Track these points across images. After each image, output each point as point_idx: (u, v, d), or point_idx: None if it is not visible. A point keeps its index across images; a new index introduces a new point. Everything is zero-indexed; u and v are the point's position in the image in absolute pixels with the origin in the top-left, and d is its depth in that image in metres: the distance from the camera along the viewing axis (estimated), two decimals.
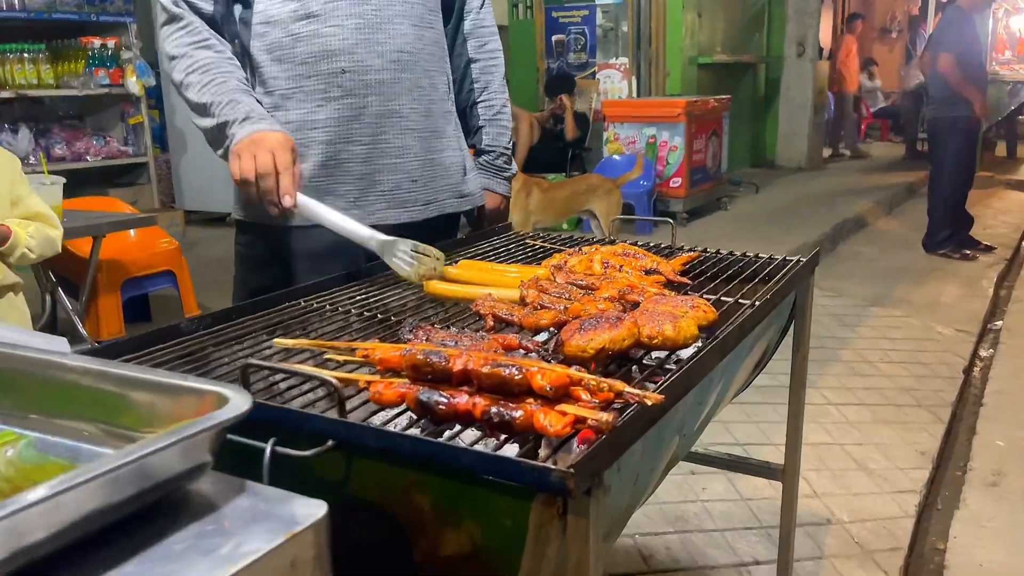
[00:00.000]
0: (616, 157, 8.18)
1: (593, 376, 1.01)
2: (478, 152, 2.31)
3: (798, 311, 1.92)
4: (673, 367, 1.27)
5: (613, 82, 9.54)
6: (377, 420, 1.12)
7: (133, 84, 7.58)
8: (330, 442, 1.04)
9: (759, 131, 12.07)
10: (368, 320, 1.54)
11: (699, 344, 1.35)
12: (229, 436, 1.05)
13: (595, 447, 0.94)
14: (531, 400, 1.02)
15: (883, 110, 15.72)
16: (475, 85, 2.26)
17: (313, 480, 1.10)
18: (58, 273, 4.49)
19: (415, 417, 1.08)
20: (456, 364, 1.05)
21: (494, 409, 1.00)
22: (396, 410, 1.11)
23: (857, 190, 10.04)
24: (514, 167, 2.37)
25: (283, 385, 1.20)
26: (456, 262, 1.81)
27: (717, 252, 1.98)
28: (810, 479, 3.54)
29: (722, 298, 1.60)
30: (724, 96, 9.07)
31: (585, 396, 1.03)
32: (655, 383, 1.19)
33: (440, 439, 1.00)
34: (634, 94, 9.47)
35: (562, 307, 1.45)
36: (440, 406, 1.03)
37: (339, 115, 1.91)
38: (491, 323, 1.42)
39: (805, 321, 1.93)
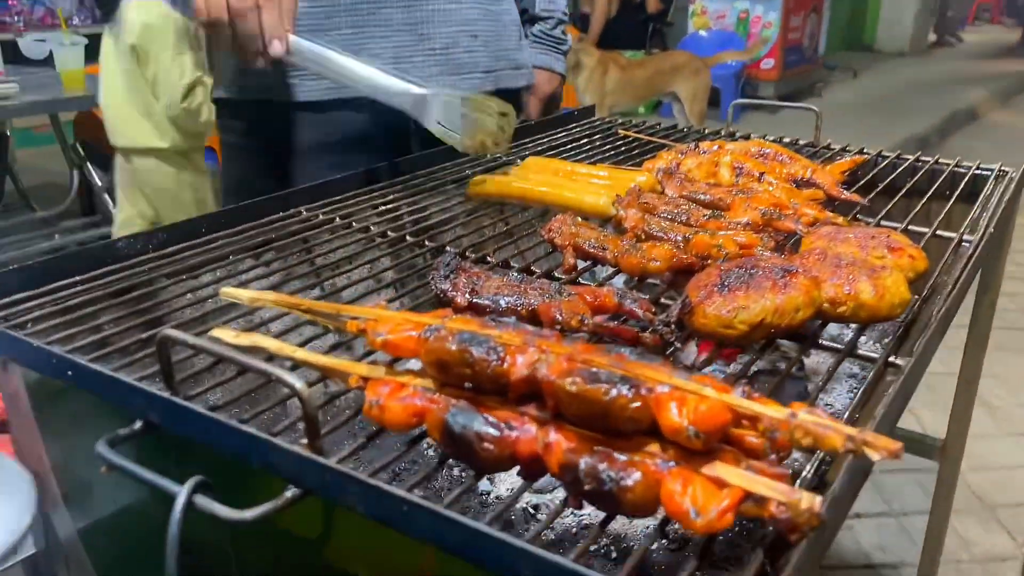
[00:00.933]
0: (703, 33, 7.38)
1: (779, 410, 0.53)
2: (529, 19, 1.76)
3: (992, 241, 1.38)
4: (874, 354, 0.77)
5: None
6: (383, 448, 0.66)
7: None
8: (288, 492, 0.59)
9: (858, 10, 10.93)
10: (395, 243, 1.07)
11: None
12: (119, 466, 0.62)
13: (794, 568, 0.47)
14: (654, 445, 0.54)
15: None
16: None
17: (266, 534, 0.66)
18: (88, 144, 4.10)
19: (443, 452, 0.61)
20: (517, 367, 0.58)
21: (585, 462, 0.53)
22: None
23: (967, 79, 9.07)
24: (570, 39, 1.83)
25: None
26: (522, 159, 1.31)
27: (880, 154, 1.44)
28: (921, 416, 3.05)
29: (911, 228, 1.09)
30: None
31: (752, 438, 0.55)
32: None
33: (481, 520, 0.53)
34: None
35: (679, 238, 0.96)
36: (485, 443, 0.57)
37: None
38: (571, 262, 0.94)
39: (1001, 255, 1.39)
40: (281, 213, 1.13)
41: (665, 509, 0.52)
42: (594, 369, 0.56)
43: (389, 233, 1.08)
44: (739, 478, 0.52)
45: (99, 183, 4.09)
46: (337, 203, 1.18)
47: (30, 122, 5.08)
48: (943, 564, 1.96)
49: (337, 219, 1.12)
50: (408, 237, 1.07)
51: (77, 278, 0.91)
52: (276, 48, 1.13)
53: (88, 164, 4.09)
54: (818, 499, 0.49)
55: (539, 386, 0.57)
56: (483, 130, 1.18)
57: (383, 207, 1.17)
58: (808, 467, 0.62)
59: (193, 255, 1.01)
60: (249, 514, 0.57)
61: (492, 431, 0.57)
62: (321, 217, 1.12)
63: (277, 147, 1.45)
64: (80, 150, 4.04)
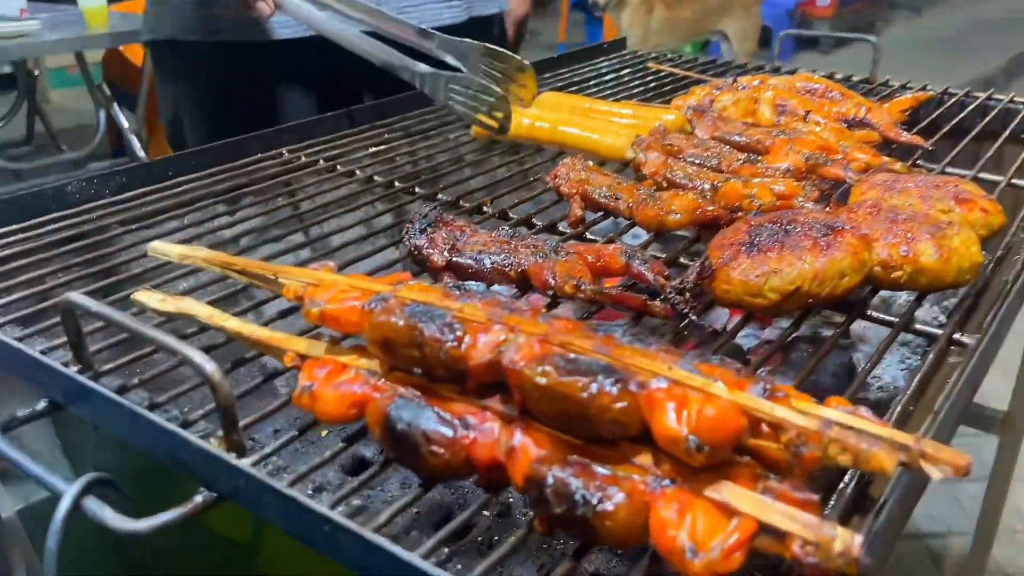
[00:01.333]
0: None
1: (809, 412, 0.40)
2: None
3: None
4: (936, 330, 0.63)
5: None
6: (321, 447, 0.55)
7: None
8: (198, 497, 0.48)
9: None
10: (388, 188, 0.95)
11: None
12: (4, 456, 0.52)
13: None
14: (645, 456, 0.42)
15: None
16: None
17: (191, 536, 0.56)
18: (114, 84, 4.01)
19: (387, 454, 0.50)
20: (477, 350, 0.46)
21: (554, 475, 0.41)
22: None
23: None
24: None
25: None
26: (536, 95, 1.17)
27: (946, 91, 1.27)
28: None
29: (982, 176, 0.93)
30: None
31: (774, 447, 0.42)
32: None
33: (419, 551, 0.42)
34: None
35: (707, 186, 0.82)
36: (434, 446, 0.45)
37: None
38: (578, 213, 0.81)
39: None
40: (260, 155, 1.01)
41: (654, 543, 0.40)
42: (572, 355, 0.44)
43: (376, 178, 0.96)
44: (752, 504, 0.39)
45: (126, 124, 4.01)
46: (324, 144, 1.05)
47: (62, 61, 5.01)
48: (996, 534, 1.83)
49: (321, 161, 1.00)
50: (397, 183, 0.94)
51: (15, 226, 0.81)
52: (262, 9, 1.04)
53: (115, 104, 4.01)
54: (857, 539, 0.37)
55: (505, 375, 0.45)
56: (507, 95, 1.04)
57: (375, 148, 1.04)
58: (847, 475, 0.49)
59: (157, 199, 0.90)
60: (144, 524, 0.46)
61: (443, 430, 0.45)
62: (303, 159, 1.00)
63: (251, 86, 1.31)
64: (107, 90, 3.96)
